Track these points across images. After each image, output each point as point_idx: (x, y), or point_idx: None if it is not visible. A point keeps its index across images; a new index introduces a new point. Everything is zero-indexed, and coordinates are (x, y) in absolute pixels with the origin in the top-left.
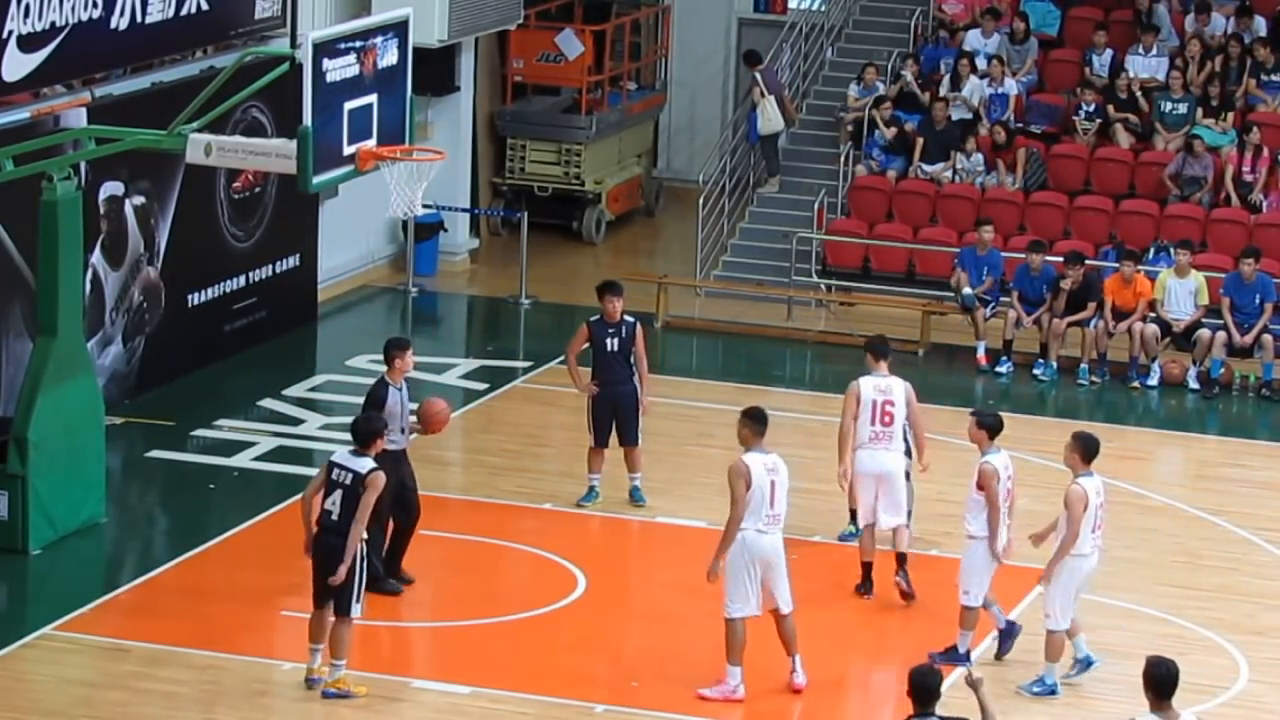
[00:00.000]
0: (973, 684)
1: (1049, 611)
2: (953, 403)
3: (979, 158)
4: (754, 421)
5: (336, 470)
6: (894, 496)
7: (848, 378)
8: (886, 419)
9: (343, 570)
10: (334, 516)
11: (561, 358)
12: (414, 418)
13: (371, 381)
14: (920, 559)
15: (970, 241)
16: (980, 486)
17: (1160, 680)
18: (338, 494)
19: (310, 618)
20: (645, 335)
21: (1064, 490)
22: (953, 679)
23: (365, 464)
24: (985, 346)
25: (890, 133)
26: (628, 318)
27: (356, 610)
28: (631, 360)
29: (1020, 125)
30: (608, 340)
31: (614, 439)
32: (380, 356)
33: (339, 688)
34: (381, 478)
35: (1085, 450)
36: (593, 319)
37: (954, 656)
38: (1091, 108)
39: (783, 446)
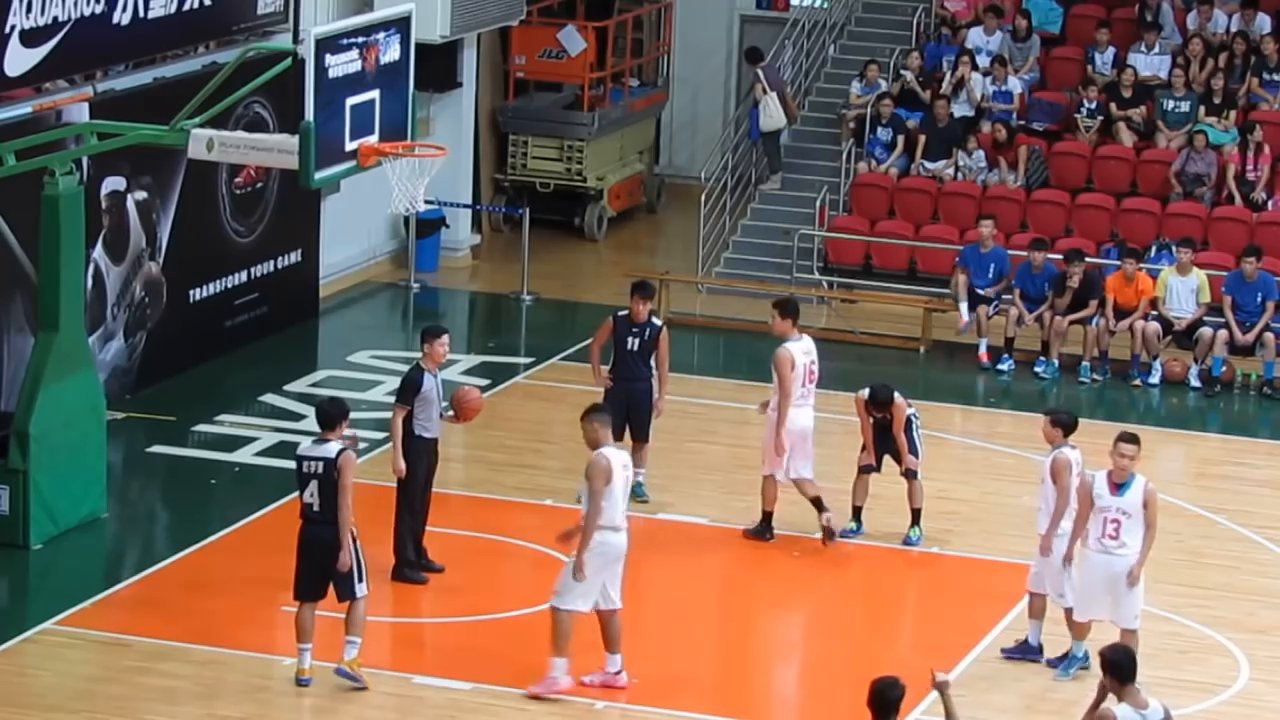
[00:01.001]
0: (939, 686)
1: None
2: (955, 400)
3: (980, 155)
4: (603, 415)
5: (306, 463)
6: (808, 450)
7: (849, 375)
8: (811, 378)
9: (344, 557)
10: (315, 508)
11: (563, 354)
12: (446, 404)
13: (374, 378)
14: (924, 557)
15: (972, 239)
16: (1053, 478)
17: (1117, 665)
18: (313, 485)
19: (297, 615)
20: (669, 338)
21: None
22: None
23: (332, 449)
24: (987, 344)
25: (899, 144)
26: (654, 320)
27: (361, 590)
28: (652, 361)
29: (1022, 123)
30: (629, 338)
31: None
32: (381, 352)
33: (353, 668)
34: (352, 457)
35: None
36: (620, 313)
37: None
38: (1094, 105)
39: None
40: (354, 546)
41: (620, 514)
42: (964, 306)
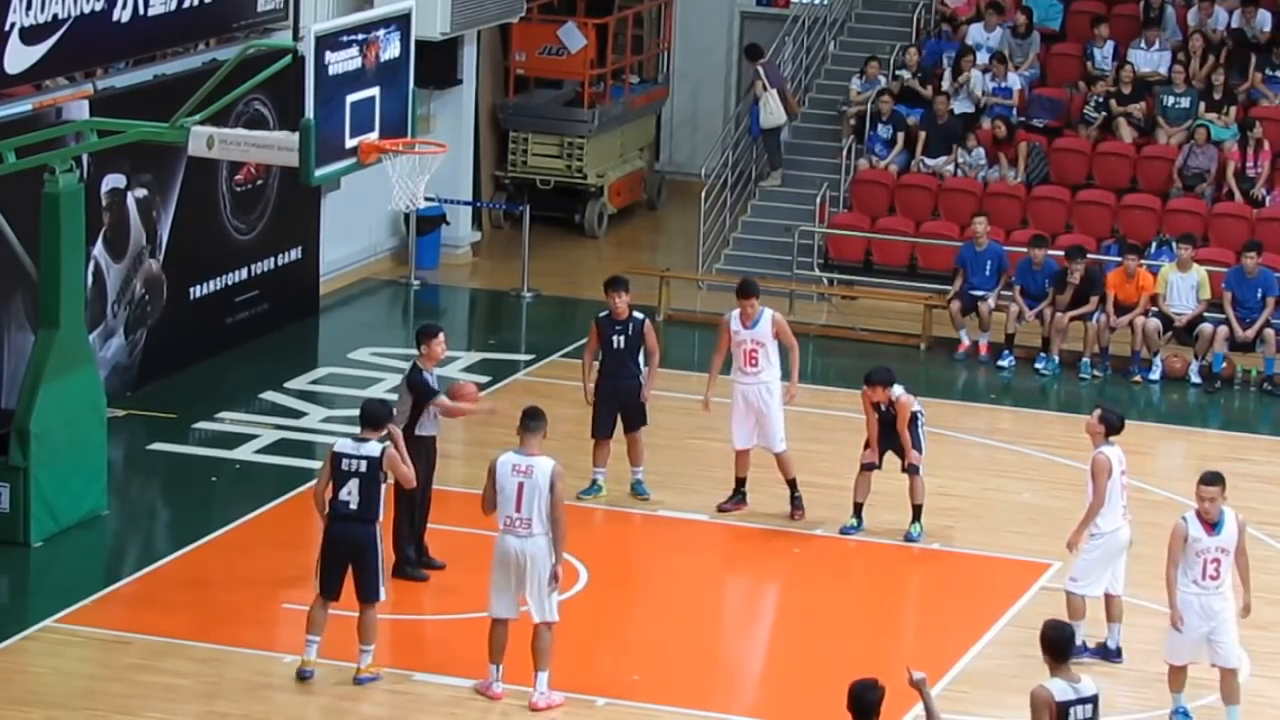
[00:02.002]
0: (916, 684)
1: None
2: (955, 397)
3: (980, 152)
4: (521, 419)
5: (345, 460)
6: None
7: (850, 372)
8: None
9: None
10: (352, 505)
11: (563, 351)
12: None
13: (375, 375)
14: (925, 553)
15: (969, 237)
16: (1092, 477)
17: (1053, 643)
18: (353, 483)
19: (310, 608)
20: (656, 329)
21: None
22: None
23: (375, 447)
24: (988, 339)
25: (899, 141)
26: (636, 314)
27: (383, 593)
28: (640, 356)
29: (1022, 119)
30: (614, 338)
31: (618, 433)
32: (382, 350)
33: (373, 672)
34: (395, 455)
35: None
36: (601, 315)
37: (1104, 652)
38: (1101, 99)
39: (785, 440)
40: (380, 548)
41: (505, 517)
42: (964, 332)
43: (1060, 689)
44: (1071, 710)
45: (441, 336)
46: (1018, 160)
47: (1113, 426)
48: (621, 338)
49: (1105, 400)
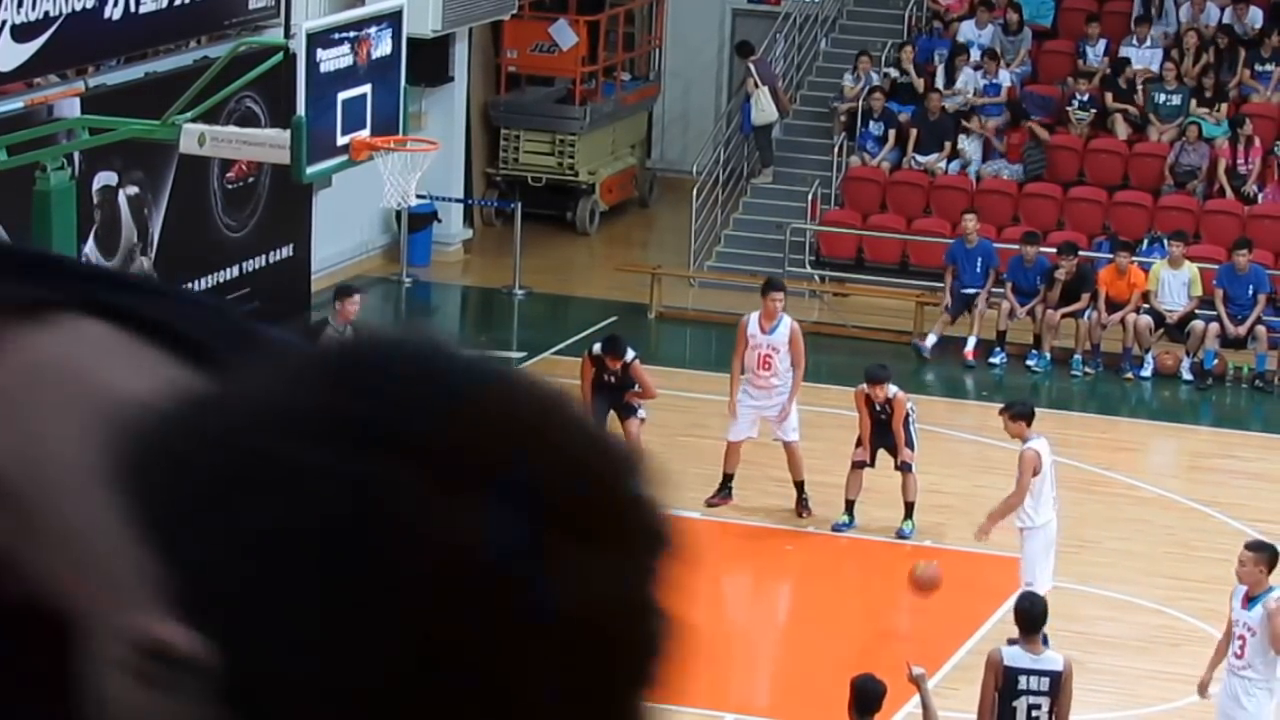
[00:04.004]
0: (915, 679)
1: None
2: (946, 394)
3: (978, 139)
4: None
5: None
6: None
7: (841, 369)
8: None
9: None
10: None
11: (555, 348)
12: None
13: None
14: (919, 550)
15: (960, 234)
16: (1019, 470)
17: (1020, 614)
18: None
19: None
20: (640, 364)
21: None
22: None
23: None
24: (977, 339)
25: (891, 138)
26: (627, 358)
27: None
28: (633, 386)
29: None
30: (607, 376)
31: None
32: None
33: None
34: None
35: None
36: (595, 354)
37: None
38: (1085, 97)
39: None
40: None
41: None
42: (932, 335)
43: (1013, 655)
44: (1022, 678)
45: (357, 298)
46: (1014, 151)
47: (1029, 417)
48: (614, 377)
49: (1096, 397)
